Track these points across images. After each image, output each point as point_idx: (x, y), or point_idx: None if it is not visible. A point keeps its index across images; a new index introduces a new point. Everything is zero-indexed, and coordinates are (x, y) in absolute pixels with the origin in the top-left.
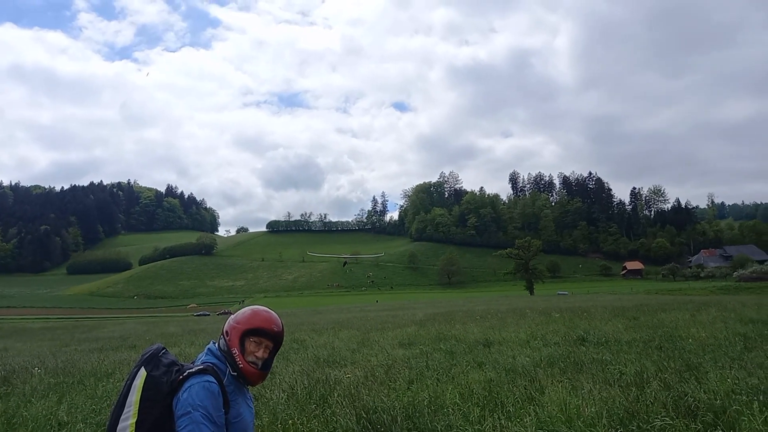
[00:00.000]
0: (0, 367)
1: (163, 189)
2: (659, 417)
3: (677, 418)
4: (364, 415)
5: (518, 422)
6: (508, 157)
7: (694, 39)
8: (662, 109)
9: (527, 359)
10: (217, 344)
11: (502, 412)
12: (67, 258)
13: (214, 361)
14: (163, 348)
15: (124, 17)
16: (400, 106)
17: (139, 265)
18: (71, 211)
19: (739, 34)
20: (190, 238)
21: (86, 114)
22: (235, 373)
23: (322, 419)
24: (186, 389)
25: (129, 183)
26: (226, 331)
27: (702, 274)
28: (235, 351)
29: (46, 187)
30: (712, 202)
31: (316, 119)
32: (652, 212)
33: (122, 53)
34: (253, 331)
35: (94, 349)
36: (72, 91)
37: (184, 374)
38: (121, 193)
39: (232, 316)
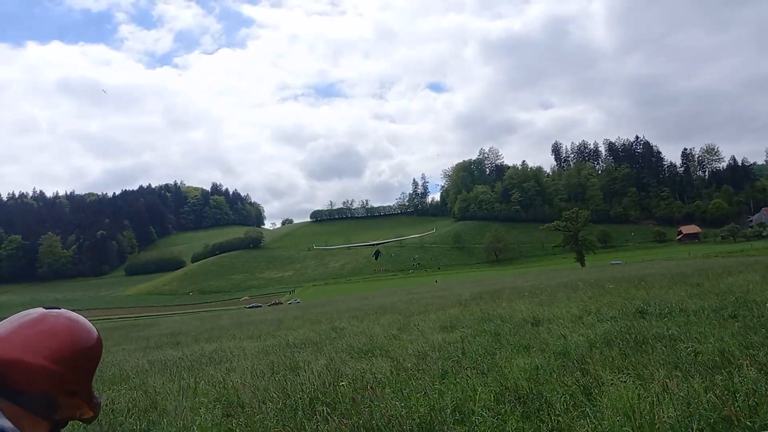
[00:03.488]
0: None
1: (208, 188)
2: None
3: None
4: None
5: None
6: (549, 129)
7: None
8: (709, 66)
9: (581, 338)
10: None
11: (548, 415)
12: (123, 260)
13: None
14: None
15: (162, 25)
16: (436, 87)
17: (192, 262)
18: (124, 216)
19: None
20: (237, 233)
21: (132, 121)
22: None
23: None
24: None
25: (176, 184)
26: (15, 375)
27: (765, 233)
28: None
29: (99, 194)
30: None
31: (354, 107)
32: (707, 173)
33: (162, 60)
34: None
35: (141, 348)
36: (118, 100)
37: None
38: (169, 194)
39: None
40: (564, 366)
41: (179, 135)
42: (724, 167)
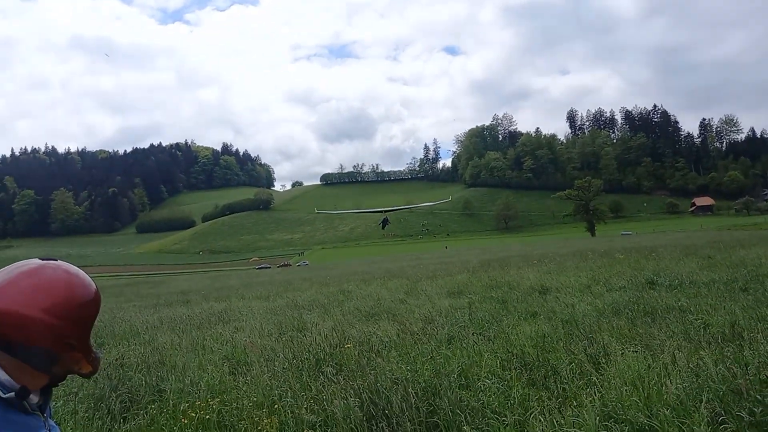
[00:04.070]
0: None
1: (219, 147)
2: None
3: None
4: (369, 397)
5: (576, 408)
6: (565, 96)
7: None
8: (733, 34)
9: (588, 307)
10: None
11: (554, 383)
12: (135, 218)
13: None
14: None
15: None
16: (451, 50)
17: (202, 222)
18: (135, 173)
19: None
20: (247, 194)
21: (144, 79)
22: (7, 398)
23: (319, 400)
24: None
25: (187, 143)
26: (13, 327)
27: None
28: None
29: (111, 151)
30: None
31: (367, 69)
32: (724, 144)
33: (174, 16)
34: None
35: (151, 305)
36: (130, 57)
37: None
38: (180, 153)
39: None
40: (571, 334)
41: (190, 94)
42: (743, 139)
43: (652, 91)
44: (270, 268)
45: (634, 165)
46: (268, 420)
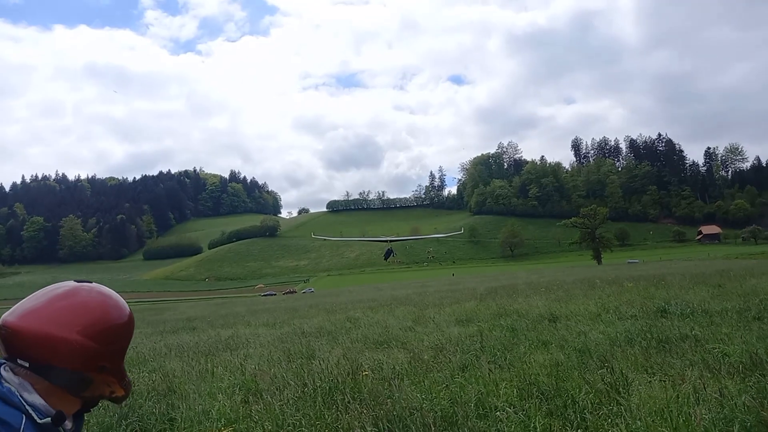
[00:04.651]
0: None
1: (227, 175)
2: None
3: None
4: (387, 425)
5: None
6: (570, 125)
7: None
8: (737, 64)
9: (600, 335)
10: (8, 371)
11: (574, 414)
12: (142, 245)
13: None
14: None
15: (186, 11)
16: (457, 80)
17: (209, 248)
18: (144, 200)
19: None
20: (254, 221)
21: (155, 107)
22: (43, 423)
23: (334, 428)
24: None
25: (195, 171)
26: (48, 350)
27: None
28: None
29: (120, 178)
30: None
31: (374, 98)
32: (730, 172)
33: (186, 46)
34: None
35: (158, 332)
36: (141, 86)
37: None
38: (188, 180)
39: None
40: (585, 363)
41: (200, 121)
42: (748, 167)
43: (656, 121)
44: (275, 295)
45: (640, 193)
46: None
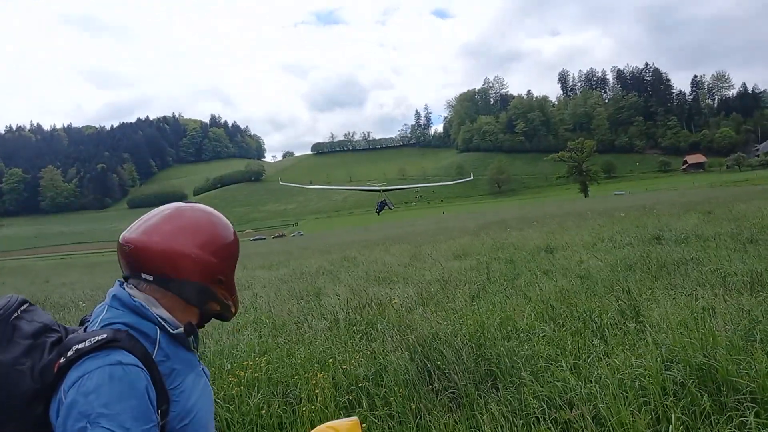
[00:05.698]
0: (58, 300)
1: (207, 120)
2: None
3: None
4: (419, 349)
5: (630, 351)
6: (556, 58)
7: None
8: None
9: (600, 263)
10: (132, 287)
11: (595, 334)
12: (125, 193)
13: (129, 320)
14: (24, 302)
15: None
16: (441, 13)
17: (194, 195)
18: (123, 148)
19: None
20: (238, 166)
21: (129, 52)
22: (177, 334)
23: (367, 354)
24: (76, 383)
25: (174, 116)
26: (172, 263)
27: None
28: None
29: (98, 126)
30: None
31: (355, 35)
32: (716, 101)
33: None
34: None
35: None
36: (116, 30)
37: (70, 353)
38: (167, 126)
39: (164, 228)
40: (591, 288)
41: (177, 66)
42: (734, 95)
43: (644, 51)
44: (265, 239)
45: (627, 125)
46: (321, 374)
